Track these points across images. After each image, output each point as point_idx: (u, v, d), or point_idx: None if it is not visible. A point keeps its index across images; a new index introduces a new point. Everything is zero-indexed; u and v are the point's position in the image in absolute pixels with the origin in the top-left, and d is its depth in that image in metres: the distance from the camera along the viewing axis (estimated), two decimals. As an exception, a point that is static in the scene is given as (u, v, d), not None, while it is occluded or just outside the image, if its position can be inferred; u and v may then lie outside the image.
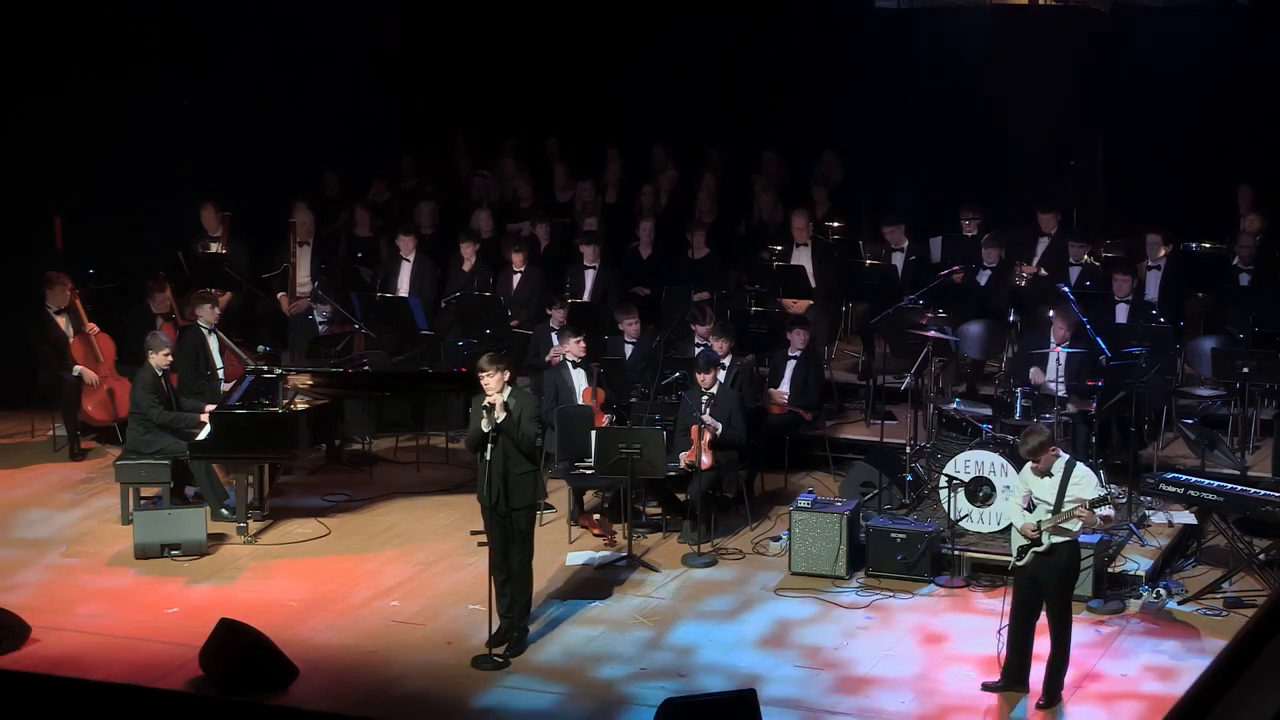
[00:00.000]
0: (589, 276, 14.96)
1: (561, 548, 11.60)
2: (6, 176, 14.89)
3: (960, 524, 11.01)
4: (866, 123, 16.66)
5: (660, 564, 11.33)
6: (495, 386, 9.53)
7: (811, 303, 14.58)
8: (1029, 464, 9.04)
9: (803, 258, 14.92)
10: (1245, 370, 12.20)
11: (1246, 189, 14.68)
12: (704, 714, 8.41)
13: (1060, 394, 11.71)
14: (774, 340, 13.39)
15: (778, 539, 11.65)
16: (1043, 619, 9.06)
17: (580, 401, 12.41)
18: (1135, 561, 10.89)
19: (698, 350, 12.79)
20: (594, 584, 10.98)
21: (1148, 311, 13.30)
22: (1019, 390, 11.72)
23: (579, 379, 12.58)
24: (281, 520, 12.26)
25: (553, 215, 16.55)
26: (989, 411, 11.94)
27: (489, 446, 9.51)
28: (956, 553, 10.91)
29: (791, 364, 13.07)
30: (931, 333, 12.56)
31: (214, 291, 13.97)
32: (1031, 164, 16.03)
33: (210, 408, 12.07)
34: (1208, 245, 14.76)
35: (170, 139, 15.96)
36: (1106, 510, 8.87)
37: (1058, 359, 12.01)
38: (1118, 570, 10.73)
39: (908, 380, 12.88)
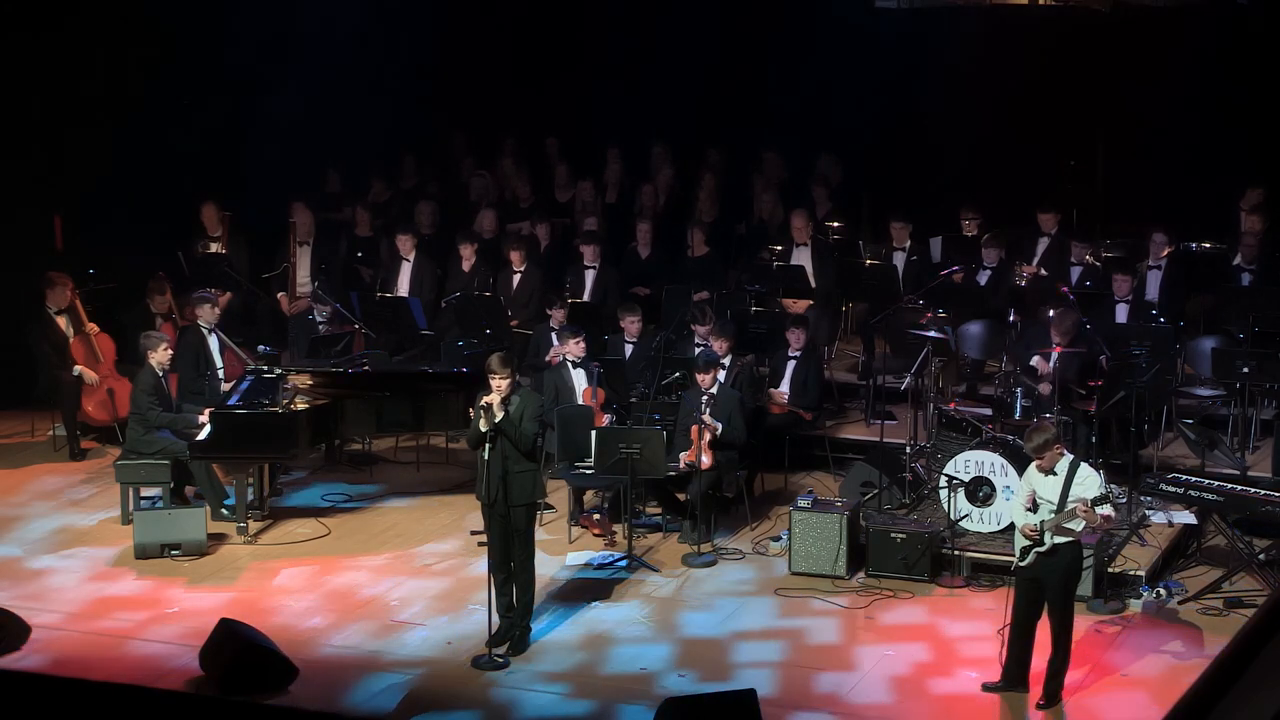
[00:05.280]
0: (589, 276, 14.97)
1: (561, 548, 11.60)
2: (6, 176, 14.89)
3: (960, 524, 11.01)
4: (867, 123, 16.66)
5: (660, 564, 11.34)
6: (507, 389, 9.53)
7: (811, 303, 14.58)
8: (1033, 463, 9.04)
9: (803, 258, 14.91)
10: (1245, 370, 12.20)
11: (1248, 189, 14.66)
12: (704, 713, 8.41)
13: (1057, 395, 11.71)
14: (774, 340, 13.39)
15: (778, 539, 11.65)
16: (1043, 619, 9.06)
17: (580, 401, 12.41)
18: (1135, 561, 10.89)
19: (698, 350, 12.79)
20: (594, 584, 10.98)
21: (1148, 311, 13.30)
22: (1019, 390, 11.71)
23: (579, 379, 12.58)
24: (281, 520, 12.26)
25: (553, 215, 16.56)
26: (989, 411, 11.94)
27: (488, 445, 9.51)
28: (956, 553, 10.90)
29: (791, 364, 13.07)
30: (931, 333, 12.56)
31: (214, 291, 13.96)
32: (1031, 164, 16.03)
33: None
34: (1208, 245, 14.76)
35: (170, 138, 15.97)
36: (1107, 510, 8.85)
37: (1057, 359, 12.00)
38: (1118, 570, 10.72)
39: (908, 380, 12.88)
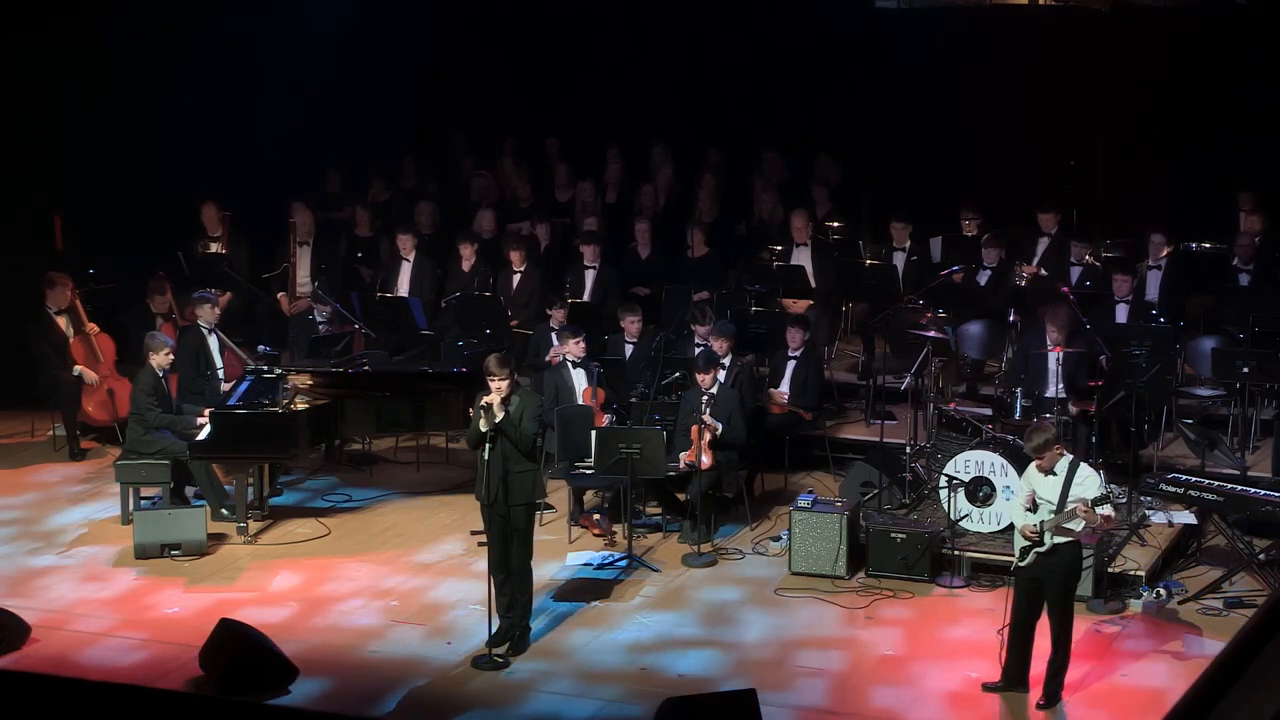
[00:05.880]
0: (589, 276, 14.98)
1: (561, 548, 11.60)
2: (6, 176, 14.89)
3: (960, 524, 11.01)
4: (867, 123, 16.66)
5: (660, 564, 11.33)
6: (506, 389, 9.53)
7: (811, 303, 14.58)
8: (1033, 463, 9.04)
9: (803, 258, 14.92)
10: (1245, 370, 12.21)
11: (1248, 190, 14.66)
12: (704, 713, 8.41)
13: (1058, 395, 11.70)
14: (774, 340, 13.39)
15: (778, 539, 11.65)
16: (1043, 619, 9.05)
17: (580, 401, 12.41)
18: (1135, 561, 10.89)
19: (698, 350, 12.79)
20: (594, 584, 10.97)
21: (1148, 311, 13.31)
22: (1019, 390, 11.71)
23: (579, 379, 12.58)
24: (281, 520, 12.26)
25: (553, 215, 16.57)
26: (989, 411, 11.94)
27: (488, 445, 9.51)
28: (956, 553, 10.90)
29: (791, 364, 13.07)
30: (931, 333, 12.56)
31: (214, 291, 13.96)
32: (1031, 164, 16.03)
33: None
34: (1208, 245, 14.77)
35: (170, 139, 15.96)
36: (1107, 510, 8.85)
37: (1057, 359, 12.00)
38: (1118, 570, 10.72)
39: (908, 380, 12.88)
